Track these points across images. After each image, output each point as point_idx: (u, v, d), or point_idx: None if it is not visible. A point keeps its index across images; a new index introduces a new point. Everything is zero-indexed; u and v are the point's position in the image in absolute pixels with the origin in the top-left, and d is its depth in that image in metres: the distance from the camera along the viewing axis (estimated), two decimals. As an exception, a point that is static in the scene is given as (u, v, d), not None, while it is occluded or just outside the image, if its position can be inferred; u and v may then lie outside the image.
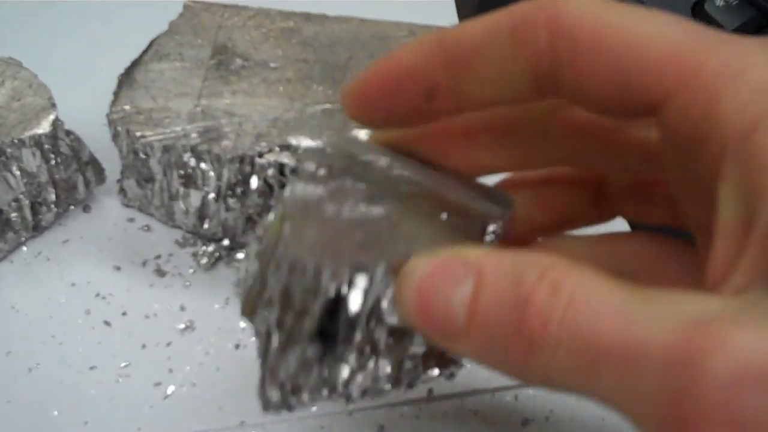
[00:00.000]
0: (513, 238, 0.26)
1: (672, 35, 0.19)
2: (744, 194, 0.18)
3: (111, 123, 0.38)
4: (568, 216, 0.28)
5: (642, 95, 0.20)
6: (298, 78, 0.40)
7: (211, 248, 0.39)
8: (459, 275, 0.20)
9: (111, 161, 0.40)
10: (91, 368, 0.34)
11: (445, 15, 0.54)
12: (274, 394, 0.23)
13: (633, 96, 0.20)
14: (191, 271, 0.38)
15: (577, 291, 0.18)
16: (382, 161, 0.25)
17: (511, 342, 0.19)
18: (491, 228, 0.24)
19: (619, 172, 0.27)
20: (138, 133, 0.37)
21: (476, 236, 0.24)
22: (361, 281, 0.21)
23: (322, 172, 0.23)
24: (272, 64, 0.41)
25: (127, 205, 0.41)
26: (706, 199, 0.20)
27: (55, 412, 0.33)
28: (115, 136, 0.38)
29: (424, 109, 0.23)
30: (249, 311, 0.24)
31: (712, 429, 0.16)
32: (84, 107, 0.40)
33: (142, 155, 0.37)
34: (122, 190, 0.40)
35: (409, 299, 0.20)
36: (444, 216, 0.24)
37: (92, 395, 0.33)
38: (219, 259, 0.38)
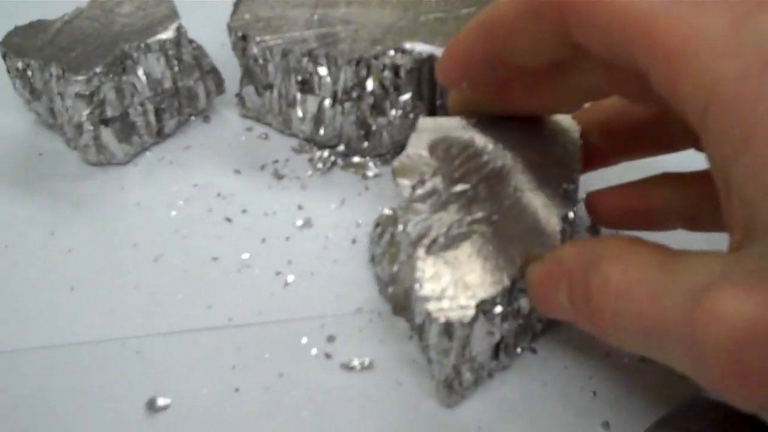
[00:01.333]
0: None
1: (650, 8, 0.22)
2: (719, 160, 0.21)
3: (231, 30, 0.39)
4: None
5: (629, 64, 0.23)
6: None
7: (326, 153, 0.39)
8: (559, 276, 0.26)
9: (229, 76, 0.41)
10: (214, 259, 0.35)
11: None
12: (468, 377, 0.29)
13: (626, 63, 0.23)
14: (308, 174, 0.38)
15: (622, 279, 0.23)
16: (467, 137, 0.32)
17: (593, 325, 0.25)
18: (570, 215, 0.30)
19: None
20: (257, 38, 0.38)
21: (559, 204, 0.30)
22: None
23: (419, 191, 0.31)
24: None
25: (245, 116, 0.41)
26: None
27: (180, 296, 0.33)
28: (235, 44, 0.39)
29: (492, 77, 0.30)
30: (399, 309, 0.32)
31: (728, 388, 0.20)
32: (205, 22, 0.41)
33: (261, 60, 0.38)
34: (241, 99, 0.41)
35: (533, 295, 0.28)
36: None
37: (215, 282, 0.34)
38: (334, 163, 0.39)
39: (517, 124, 0.33)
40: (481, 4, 0.40)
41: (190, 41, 0.39)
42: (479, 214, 0.30)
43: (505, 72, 0.29)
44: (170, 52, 0.38)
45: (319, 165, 0.39)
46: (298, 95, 0.38)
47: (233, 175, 0.38)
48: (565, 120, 0.33)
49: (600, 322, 0.24)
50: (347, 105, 0.38)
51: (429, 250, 0.28)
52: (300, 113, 0.39)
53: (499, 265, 0.28)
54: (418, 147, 0.32)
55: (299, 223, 0.36)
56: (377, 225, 0.34)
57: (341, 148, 0.39)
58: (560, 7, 0.24)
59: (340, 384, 0.30)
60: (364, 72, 0.37)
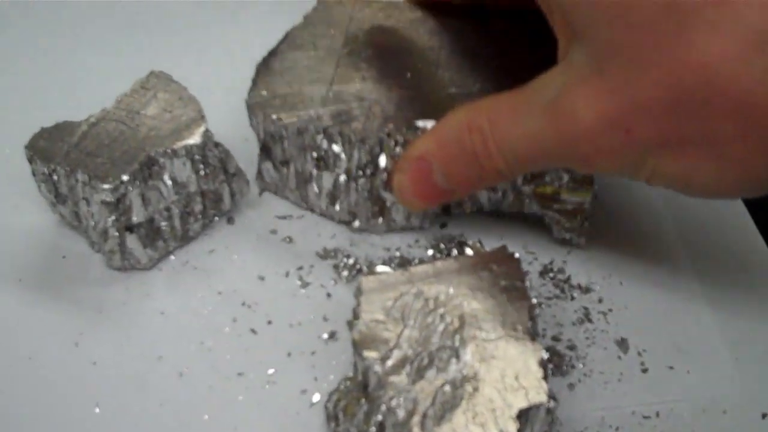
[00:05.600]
0: None
1: None
2: None
3: (249, 107, 0.40)
4: None
5: None
6: (424, 64, 0.41)
7: (351, 261, 0.39)
8: (430, 165, 0.33)
9: (252, 169, 0.41)
10: (239, 374, 0.35)
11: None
12: None
13: None
14: (332, 282, 0.38)
15: (493, 126, 0.30)
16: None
17: (487, 174, 0.31)
18: (545, 357, 0.31)
19: None
20: (274, 116, 0.38)
21: None
22: None
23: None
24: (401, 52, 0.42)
25: (264, 189, 0.42)
26: None
27: (206, 416, 0.33)
28: (253, 120, 0.40)
29: None
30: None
31: (598, 166, 0.28)
32: (229, 121, 0.41)
33: (277, 137, 0.39)
34: (259, 174, 0.42)
35: (408, 196, 0.35)
36: None
37: (241, 401, 0.34)
38: (359, 271, 0.39)
39: (462, 267, 0.33)
40: (491, 81, 0.40)
41: (216, 144, 0.39)
42: (459, 375, 0.30)
43: None
44: (196, 157, 0.38)
45: (345, 273, 0.38)
46: (314, 171, 0.39)
47: (257, 281, 0.38)
48: (503, 253, 0.34)
49: (491, 168, 0.30)
50: (361, 181, 0.38)
51: (423, 428, 0.28)
52: (316, 189, 0.40)
53: (498, 423, 0.28)
54: (371, 312, 0.32)
55: (325, 336, 0.36)
56: (338, 400, 0.32)
57: (356, 224, 0.40)
58: None
59: None
60: (377, 149, 0.37)
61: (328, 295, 0.38)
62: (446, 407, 0.29)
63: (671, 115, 0.24)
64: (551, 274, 0.39)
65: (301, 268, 0.39)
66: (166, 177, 0.38)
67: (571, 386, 0.35)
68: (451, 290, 0.33)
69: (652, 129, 0.25)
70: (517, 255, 0.34)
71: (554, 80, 0.27)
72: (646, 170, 0.27)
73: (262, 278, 0.38)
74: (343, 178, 0.39)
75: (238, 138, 0.42)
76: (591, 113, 0.25)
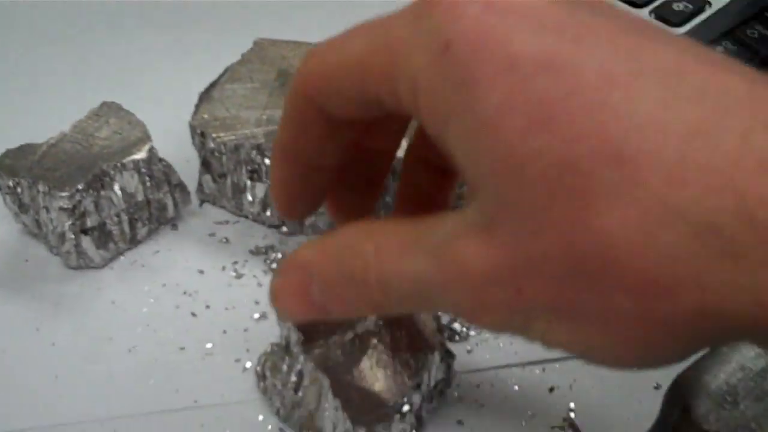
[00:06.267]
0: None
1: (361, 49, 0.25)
2: (436, 137, 0.24)
3: (192, 128, 0.46)
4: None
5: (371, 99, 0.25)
6: None
7: (280, 255, 0.45)
8: (310, 277, 0.27)
9: (194, 185, 0.47)
10: (181, 349, 0.40)
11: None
12: None
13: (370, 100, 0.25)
14: (263, 273, 0.44)
15: (378, 258, 0.25)
16: None
17: (364, 302, 0.26)
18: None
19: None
20: (213, 135, 0.45)
21: None
22: None
23: None
24: None
25: (204, 200, 0.48)
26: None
27: (151, 382, 0.38)
28: (195, 139, 0.46)
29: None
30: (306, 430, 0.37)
31: (480, 320, 0.24)
32: (173, 144, 0.48)
33: (216, 153, 0.45)
34: (200, 186, 0.48)
35: (283, 305, 0.29)
36: None
37: (182, 369, 0.39)
38: (287, 264, 0.44)
39: None
40: None
41: (160, 159, 0.45)
42: (365, 331, 0.36)
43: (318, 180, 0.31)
44: (143, 170, 0.44)
45: (274, 265, 0.44)
46: (248, 182, 0.45)
47: (197, 275, 0.44)
48: None
49: (369, 298, 0.26)
50: None
51: (336, 372, 0.34)
52: (250, 197, 0.46)
53: (398, 370, 0.34)
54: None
55: (256, 316, 0.42)
56: (265, 360, 0.38)
57: (284, 229, 0.46)
58: (306, 84, 0.27)
59: (292, 453, 0.35)
60: None
61: (260, 284, 0.44)
62: (355, 356, 0.35)
63: (565, 282, 0.22)
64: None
65: (236, 262, 0.45)
66: (116, 187, 0.43)
67: (469, 351, 0.41)
68: None
69: (544, 293, 0.22)
70: None
71: (447, 224, 0.24)
72: (535, 333, 0.24)
73: (201, 272, 0.44)
74: None
75: (182, 159, 0.48)
76: (480, 267, 0.23)
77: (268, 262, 0.44)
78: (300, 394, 0.36)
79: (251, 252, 0.45)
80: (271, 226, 0.47)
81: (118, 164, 0.43)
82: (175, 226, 0.47)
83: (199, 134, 0.45)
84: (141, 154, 0.44)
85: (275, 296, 0.29)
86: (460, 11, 0.22)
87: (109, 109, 0.47)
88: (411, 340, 0.36)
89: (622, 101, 0.20)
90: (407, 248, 0.25)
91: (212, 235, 0.46)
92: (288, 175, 0.30)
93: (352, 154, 0.30)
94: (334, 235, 0.28)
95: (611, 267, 0.21)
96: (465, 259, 0.23)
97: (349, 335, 0.36)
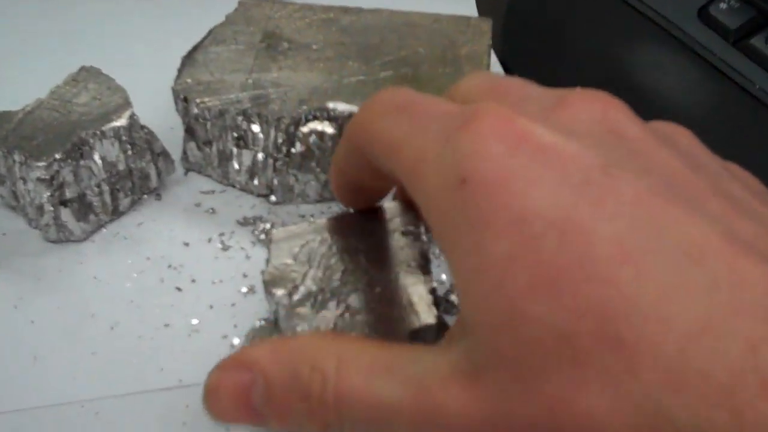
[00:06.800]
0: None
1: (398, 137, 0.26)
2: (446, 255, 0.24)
3: (175, 93, 0.44)
4: None
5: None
6: (336, 56, 0.46)
7: (268, 225, 0.43)
8: (253, 380, 0.26)
9: (178, 153, 0.45)
10: (166, 325, 0.38)
11: (466, 5, 0.60)
12: None
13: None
14: (251, 245, 0.42)
15: (340, 374, 0.24)
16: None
17: (312, 420, 0.25)
18: (434, 286, 0.35)
19: None
20: (197, 100, 0.43)
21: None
22: None
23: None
24: (314, 46, 0.47)
25: (189, 169, 0.46)
26: None
27: (134, 360, 0.37)
28: (178, 105, 0.44)
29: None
30: None
31: None
32: (156, 111, 0.45)
33: (200, 120, 0.43)
34: (184, 154, 0.46)
35: (214, 402, 0.28)
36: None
37: (167, 347, 0.37)
38: (276, 235, 0.43)
39: (367, 218, 0.37)
40: (397, 68, 0.45)
41: (142, 127, 0.43)
42: (357, 305, 0.34)
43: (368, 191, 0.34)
44: (124, 138, 0.42)
45: (262, 237, 0.42)
46: (235, 150, 0.43)
47: (183, 247, 0.42)
48: (396, 207, 0.37)
49: (320, 417, 0.25)
50: (278, 163, 0.43)
51: None
52: (236, 166, 0.44)
53: None
54: (281, 257, 0.35)
55: (244, 290, 0.40)
56: (253, 337, 0.37)
57: (273, 198, 0.44)
58: (353, 134, 0.29)
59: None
60: (292, 129, 0.42)
61: (247, 256, 0.42)
62: (345, 332, 0.33)
63: None
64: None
65: (222, 234, 0.43)
66: (96, 156, 0.41)
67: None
68: (352, 237, 0.37)
69: None
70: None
71: (427, 358, 0.23)
72: None
73: (186, 244, 0.42)
74: (261, 155, 0.43)
75: (165, 125, 0.46)
76: (461, 414, 0.22)
77: (257, 233, 0.43)
78: None
79: (239, 223, 0.43)
80: (259, 195, 0.45)
81: (98, 132, 0.41)
82: (158, 197, 0.45)
83: (183, 99, 0.44)
84: (122, 121, 0.42)
85: (208, 393, 0.28)
86: (485, 149, 0.22)
87: (88, 74, 0.45)
88: (403, 310, 0.34)
89: (631, 281, 0.20)
90: (377, 371, 0.24)
91: (198, 205, 0.45)
92: (343, 182, 0.33)
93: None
94: (290, 340, 0.28)
95: None
96: (446, 401, 0.22)
97: (339, 310, 0.34)
